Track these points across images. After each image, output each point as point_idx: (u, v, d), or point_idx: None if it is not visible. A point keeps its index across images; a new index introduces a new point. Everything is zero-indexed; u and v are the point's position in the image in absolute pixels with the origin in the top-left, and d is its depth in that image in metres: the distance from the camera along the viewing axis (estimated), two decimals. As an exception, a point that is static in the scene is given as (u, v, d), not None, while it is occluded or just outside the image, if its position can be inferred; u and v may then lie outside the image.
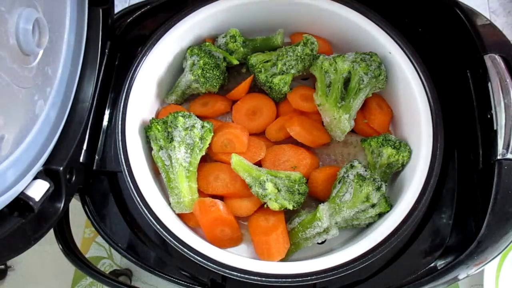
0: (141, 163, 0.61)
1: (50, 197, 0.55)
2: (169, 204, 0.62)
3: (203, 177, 0.64)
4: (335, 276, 0.55)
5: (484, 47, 0.63)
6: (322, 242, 0.64)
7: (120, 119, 0.62)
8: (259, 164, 0.65)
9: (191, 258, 0.56)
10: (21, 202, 0.50)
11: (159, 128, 0.62)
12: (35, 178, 0.53)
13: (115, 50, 0.72)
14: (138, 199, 0.58)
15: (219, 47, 0.71)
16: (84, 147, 0.64)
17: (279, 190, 0.60)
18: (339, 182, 0.62)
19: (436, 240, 0.62)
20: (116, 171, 0.66)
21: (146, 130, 0.64)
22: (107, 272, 0.85)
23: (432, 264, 0.61)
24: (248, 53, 0.72)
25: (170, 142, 0.61)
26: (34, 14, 0.48)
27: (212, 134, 0.64)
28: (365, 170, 0.61)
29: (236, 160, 0.61)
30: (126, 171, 0.59)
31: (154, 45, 0.67)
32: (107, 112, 0.70)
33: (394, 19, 0.69)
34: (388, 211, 0.60)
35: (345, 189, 0.60)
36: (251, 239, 0.62)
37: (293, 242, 0.61)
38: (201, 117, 0.66)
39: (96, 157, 0.67)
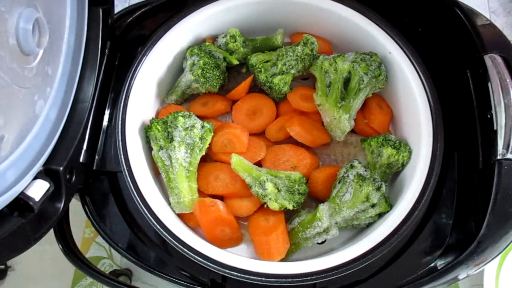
0: (141, 163, 0.61)
1: (50, 197, 0.55)
2: (169, 204, 0.62)
3: (203, 177, 0.64)
4: (335, 276, 0.55)
5: (484, 47, 0.63)
6: (322, 242, 0.64)
7: (120, 119, 0.62)
8: (259, 164, 0.65)
9: (191, 258, 0.56)
10: (21, 202, 0.50)
11: (159, 128, 0.62)
12: (35, 178, 0.53)
13: (115, 50, 0.72)
14: (138, 199, 0.58)
15: (219, 47, 0.71)
16: (84, 147, 0.64)
17: (279, 190, 0.60)
18: (339, 182, 0.62)
19: (436, 240, 0.62)
20: (116, 171, 0.66)
21: (146, 130, 0.64)
22: (107, 272, 0.85)
23: (432, 264, 0.61)
24: (248, 53, 0.72)
25: (170, 142, 0.61)
26: (34, 14, 0.48)
27: (212, 134, 0.64)
28: (365, 170, 0.61)
29: (236, 160, 0.61)
30: (126, 171, 0.59)
31: (154, 45, 0.67)
32: (107, 112, 0.70)
33: (394, 19, 0.69)
34: (388, 211, 0.60)
35: (345, 189, 0.60)
36: (251, 239, 0.62)
37: (293, 242, 0.61)
38: (201, 117, 0.66)
39: (96, 157, 0.67)
